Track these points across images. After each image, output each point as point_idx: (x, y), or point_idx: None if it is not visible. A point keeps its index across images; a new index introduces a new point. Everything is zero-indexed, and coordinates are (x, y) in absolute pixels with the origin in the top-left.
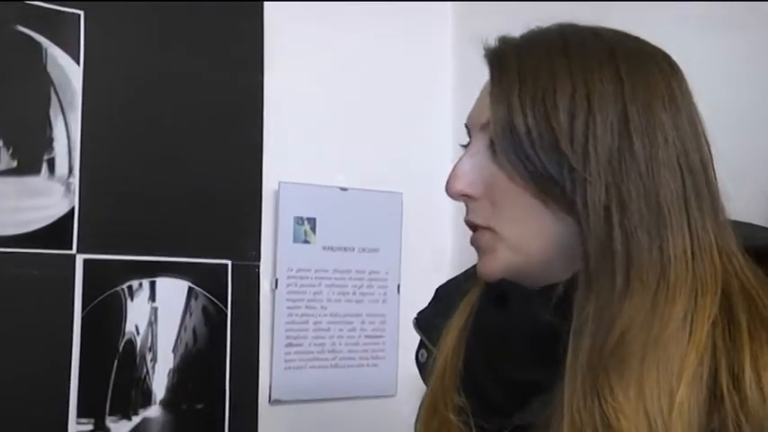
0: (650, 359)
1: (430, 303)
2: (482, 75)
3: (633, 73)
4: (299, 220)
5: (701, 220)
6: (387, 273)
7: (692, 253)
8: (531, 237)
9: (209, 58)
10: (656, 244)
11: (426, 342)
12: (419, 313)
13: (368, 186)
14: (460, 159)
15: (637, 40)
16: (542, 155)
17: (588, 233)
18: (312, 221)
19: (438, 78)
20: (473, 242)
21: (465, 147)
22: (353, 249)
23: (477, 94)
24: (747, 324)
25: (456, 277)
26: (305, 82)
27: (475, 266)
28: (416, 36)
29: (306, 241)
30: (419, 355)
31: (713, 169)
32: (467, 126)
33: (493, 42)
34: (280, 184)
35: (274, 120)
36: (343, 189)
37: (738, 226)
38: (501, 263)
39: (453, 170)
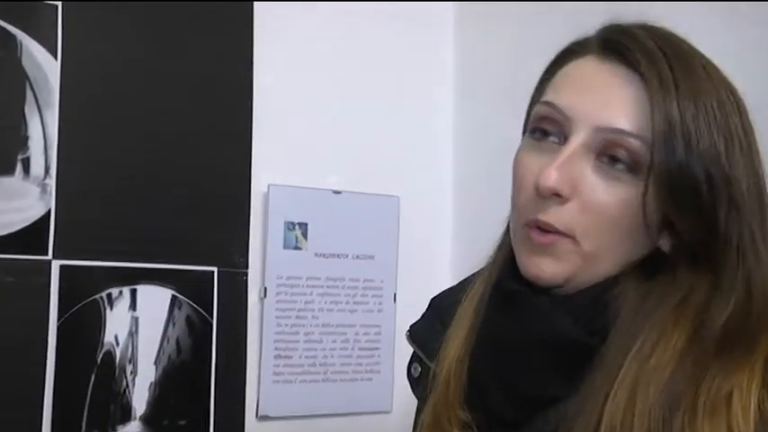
0: (736, 393)
1: (424, 315)
2: (485, 73)
3: (741, 103)
4: (290, 225)
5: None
6: (382, 281)
7: None
8: (612, 256)
9: (196, 55)
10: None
11: (421, 355)
12: (412, 325)
13: (362, 189)
14: (562, 153)
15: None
16: (700, 179)
17: (732, 269)
18: (303, 226)
19: (438, 76)
20: (534, 241)
21: (535, 133)
22: (347, 256)
23: (481, 91)
24: None
25: (452, 288)
26: (296, 80)
27: (471, 276)
28: (416, 34)
29: (297, 247)
30: (411, 370)
31: None
32: (559, 111)
33: (617, 32)
34: (269, 186)
35: (264, 119)
36: (337, 192)
37: None
38: (569, 272)
39: (553, 162)
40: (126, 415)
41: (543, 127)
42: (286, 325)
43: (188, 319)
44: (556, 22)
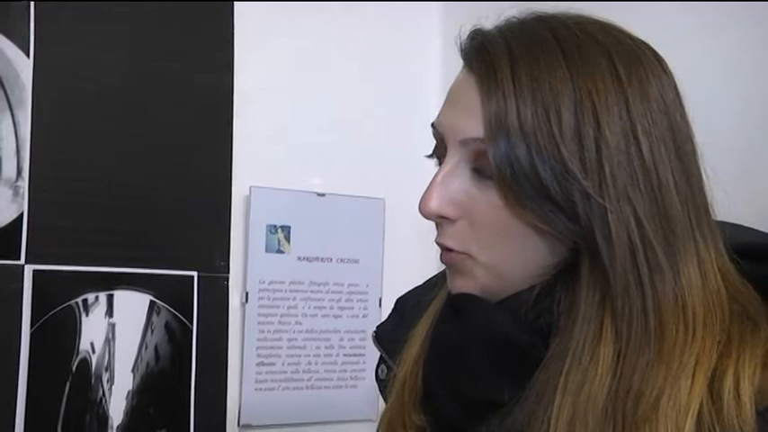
0: (665, 398)
1: (389, 316)
2: None
3: (632, 80)
4: (272, 228)
5: (701, 236)
6: (367, 285)
7: (702, 281)
8: (517, 265)
9: (176, 55)
10: (675, 278)
11: (386, 357)
12: (378, 326)
13: (347, 192)
14: (437, 175)
15: (621, 31)
16: (548, 180)
17: (613, 272)
18: (286, 229)
19: (424, 77)
20: (445, 261)
21: (432, 156)
22: (331, 260)
23: None
24: (739, 334)
25: (417, 288)
26: (278, 80)
27: (436, 276)
28: (402, 34)
29: (279, 251)
30: (378, 372)
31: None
32: (436, 130)
33: (470, 39)
34: (251, 188)
35: (245, 120)
36: (321, 195)
37: (721, 226)
38: (477, 286)
39: (429, 187)
40: (102, 425)
41: (436, 150)
42: (268, 331)
43: (167, 325)
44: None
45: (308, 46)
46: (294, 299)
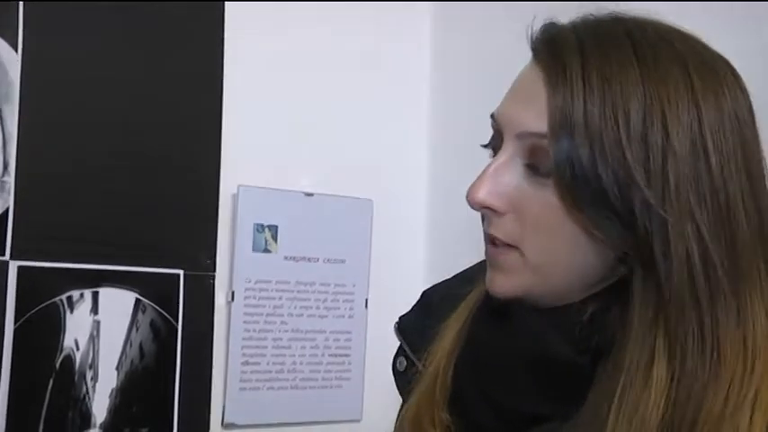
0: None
1: (414, 307)
2: (462, 75)
3: (707, 91)
4: (260, 228)
5: (766, 268)
6: (354, 286)
7: (767, 312)
8: (563, 269)
9: (165, 52)
10: (737, 303)
11: (407, 349)
12: (401, 317)
13: (335, 192)
14: (489, 166)
15: (699, 42)
16: (608, 185)
17: (668, 288)
18: (273, 229)
19: (414, 78)
20: (489, 256)
21: (488, 146)
22: (318, 260)
23: (457, 94)
24: None
25: (447, 281)
26: (268, 78)
27: (470, 269)
28: (392, 34)
29: (266, 250)
30: (397, 364)
31: None
32: (495, 121)
33: (541, 31)
34: (239, 187)
35: (234, 118)
36: (308, 194)
37: None
38: (520, 286)
39: (480, 177)
40: (85, 423)
41: (492, 141)
42: (254, 330)
43: (152, 323)
44: (536, 24)
45: (298, 46)
46: (280, 298)
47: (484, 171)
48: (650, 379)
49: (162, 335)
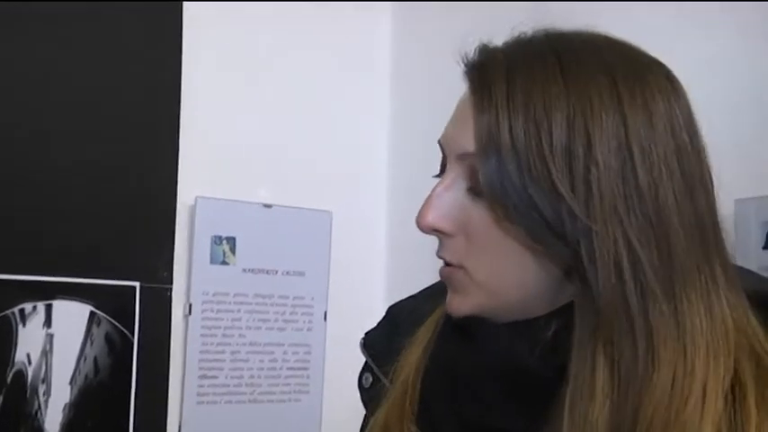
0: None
1: (380, 323)
2: (422, 85)
3: (635, 99)
4: (218, 239)
5: (709, 269)
6: (313, 298)
7: (707, 312)
8: (511, 284)
9: (121, 54)
10: (673, 305)
11: (373, 366)
12: (367, 333)
13: (294, 203)
14: (435, 189)
15: (632, 50)
16: (537, 197)
17: (599, 295)
18: (231, 241)
19: (374, 86)
20: (442, 276)
21: (440, 175)
22: (277, 272)
23: (417, 105)
24: (755, 392)
25: (412, 297)
26: (227, 87)
27: (435, 286)
28: (352, 43)
29: (224, 262)
30: (363, 380)
31: (715, 202)
32: (441, 146)
33: (474, 54)
34: (196, 198)
35: (192, 128)
36: (267, 206)
37: (740, 272)
38: (472, 305)
39: (427, 200)
40: None
41: (441, 167)
42: (211, 343)
43: (107, 336)
44: (499, 36)
45: (257, 54)
46: (238, 311)
47: (430, 195)
48: (595, 389)
49: (117, 348)
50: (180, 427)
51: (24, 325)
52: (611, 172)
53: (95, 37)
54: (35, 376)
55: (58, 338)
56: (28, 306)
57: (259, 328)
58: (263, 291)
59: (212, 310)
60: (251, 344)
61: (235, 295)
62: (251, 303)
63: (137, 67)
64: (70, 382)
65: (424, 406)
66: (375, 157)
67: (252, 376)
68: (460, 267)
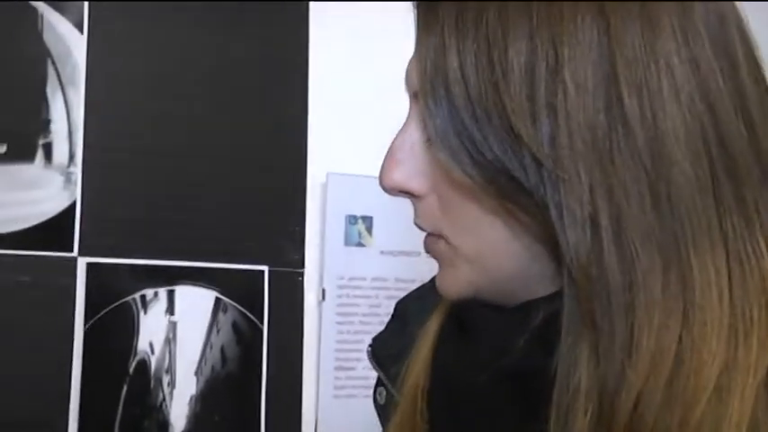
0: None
1: (388, 323)
2: None
3: (626, 5)
4: (352, 219)
5: (740, 220)
6: None
7: (729, 276)
8: (491, 251)
9: (246, 30)
10: (673, 269)
11: (382, 377)
12: (374, 339)
13: None
14: (395, 139)
15: None
16: (493, 141)
17: (570, 256)
18: (368, 220)
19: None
20: (427, 249)
21: None
22: (419, 254)
23: None
24: None
25: (422, 287)
26: (357, 59)
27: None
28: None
29: (360, 244)
30: (377, 395)
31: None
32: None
33: None
34: (328, 175)
35: (322, 101)
36: None
37: None
38: (462, 279)
39: (388, 154)
40: None
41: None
42: (348, 332)
43: (234, 324)
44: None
45: (391, 21)
46: (377, 297)
47: (391, 146)
48: (578, 388)
49: (246, 337)
50: (316, 422)
51: (146, 312)
52: (585, 96)
53: (222, 18)
54: (159, 366)
55: (182, 326)
56: (149, 292)
57: None
58: (404, 275)
59: (348, 296)
60: None
61: (373, 279)
62: (391, 288)
63: (263, 41)
64: (196, 373)
65: (432, 423)
66: None
67: None
68: (440, 236)
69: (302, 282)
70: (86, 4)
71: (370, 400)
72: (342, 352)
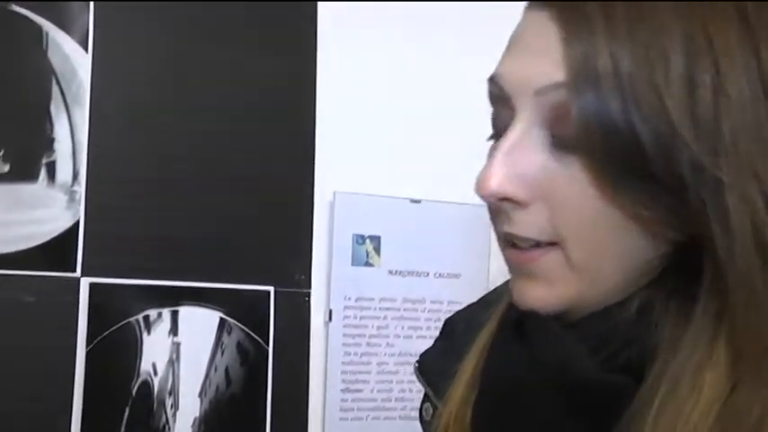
0: None
1: (435, 341)
2: None
3: (765, 23)
4: (360, 239)
5: None
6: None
7: None
8: (611, 263)
9: (251, 44)
10: None
11: (429, 393)
12: (422, 355)
13: (446, 198)
14: (502, 143)
15: None
16: (648, 143)
17: (733, 271)
18: (376, 240)
19: None
20: (516, 262)
21: (494, 134)
22: (428, 274)
23: None
24: None
25: (470, 306)
26: (367, 73)
27: (494, 291)
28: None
29: (368, 264)
30: (423, 411)
31: None
32: (500, 83)
33: None
34: (335, 194)
35: (330, 117)
36: (415, 201)
37: None
38: (557, 294)
39: (491, 160)
40: None
41: (493, 117)
42: (355, 353)
43: (239, 345)
44: None
45: (405, 34)
46: (385, 318)
47: (495, 151)
48: (699, 384)
49: (251, 359)
50: None
51: (149, 333)
52: (745, 109)
53: (222, 24)
54: (161, 388)
55: (186, 347)
56: (153, 312)
57: (409, 336)
58: (412, 295)
59: (355, 317)
60: (400, 354)
61: (381, 300)
62: (399, 309)
63: (269, 56)
64: (200, 395)
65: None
66: None
67: (402, 390)
68: (552, 246)
69: (309, 302)
70: (91, 22)
71: (377, 422)
72: (349, 374)
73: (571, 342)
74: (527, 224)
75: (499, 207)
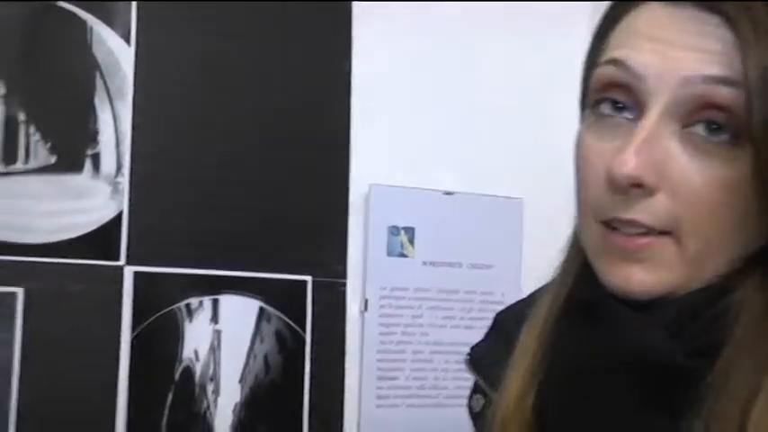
0: None
1: (487, 334)
2: None
3: None
4: (395, 230)
5: None
6: (503, 294)
7: None
8: (719, 255)
9: (289, 40)
10: None
11: (483, 385)
12: (473, 348)
13: (479, 190)
14: (640, 129)
15: None
16: None
17: None
18: (410, 231)
19: (571, 66)
20: (627, 248)
21: (614, 108)
22: (461, 265)
23: None
24: None
25: (520, 302)
26: (402, 68)
27: (544, 286)
28: (548, 21)
29: (402, 254)
30: (472, 402)
31: None
32: (634, 73)
33: None
34: (370, 186)
35: (365, 110)
36: (449, 193)
37: None
38: (666, 283)
39: (630, 143)
40: None
41: (612, 96)
42: (391, 342)
43: (278, 333)
44: None
45: (440, 29)
46: (420, 307)
47: (632, 137)
48: None
49: (289, 346)
50: (358, 431)
51: (191, 320)
52: None
53: (263, 21)
54: (203, 374)
55: (227, 335)
56: (194, 301)
57: (443, 326)
58: (446, 285)
59: (391, 306)
60: (435, 343)
61: (415, 290)
62: (433, 299)
63: (306, 50)
64: (240, 382)
65: (541, 425)
66: (569, 138)
67: (437, 378)
68: (668, 235)
69: (345, 292)
70: (134, 18)
71: (413, 410)
72: (384, 362)
73: (654, 326)
74: (649, 212)
75: (625, 191)
